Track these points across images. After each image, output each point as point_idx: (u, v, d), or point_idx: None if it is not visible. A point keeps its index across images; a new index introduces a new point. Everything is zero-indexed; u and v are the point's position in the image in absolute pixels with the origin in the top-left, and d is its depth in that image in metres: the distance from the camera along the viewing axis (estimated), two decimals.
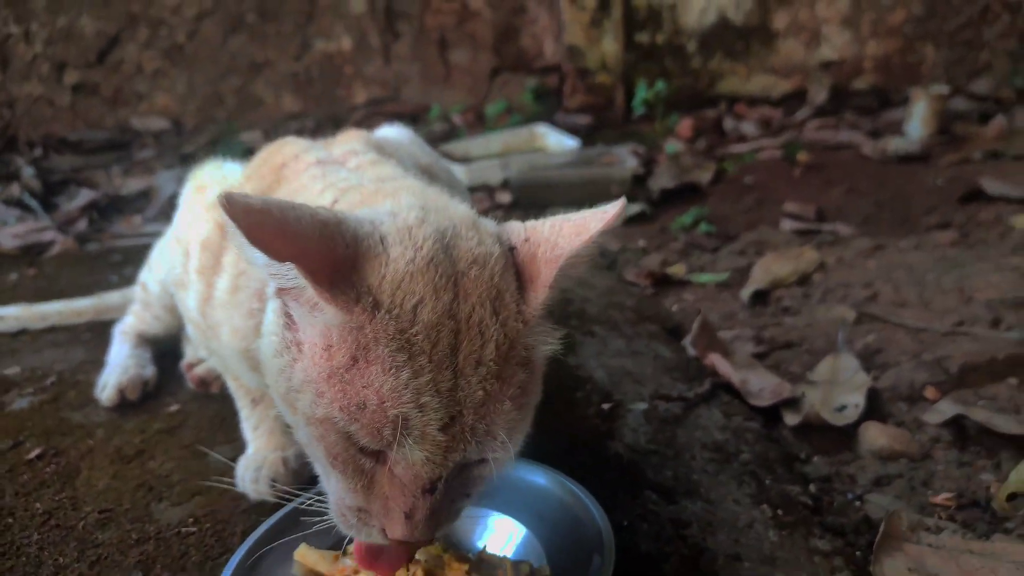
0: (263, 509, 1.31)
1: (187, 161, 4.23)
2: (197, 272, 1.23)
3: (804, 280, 2.47)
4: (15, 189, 3.80)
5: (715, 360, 1.81)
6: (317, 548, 1.11)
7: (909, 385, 1.74)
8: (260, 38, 4.89)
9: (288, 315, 0.89)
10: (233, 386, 1.46)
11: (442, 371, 0.82)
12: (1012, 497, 1.27)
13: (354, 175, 1.14)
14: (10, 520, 1.34)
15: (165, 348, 1.90)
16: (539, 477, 1.17)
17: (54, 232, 3.30)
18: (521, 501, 1.13)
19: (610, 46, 4.61)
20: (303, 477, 1.33)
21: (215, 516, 1.32)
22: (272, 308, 0.93)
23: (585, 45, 4.63)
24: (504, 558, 1.05)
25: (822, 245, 2.72)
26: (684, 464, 1.38)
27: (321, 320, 0.84)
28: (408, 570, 0.99)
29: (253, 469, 1.35)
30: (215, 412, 1.68)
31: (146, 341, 1.90)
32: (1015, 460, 1.44)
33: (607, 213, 0.88)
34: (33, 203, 3.64)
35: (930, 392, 1.70)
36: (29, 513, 1.36)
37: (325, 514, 0.96)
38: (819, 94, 4.59)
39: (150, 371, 1.81)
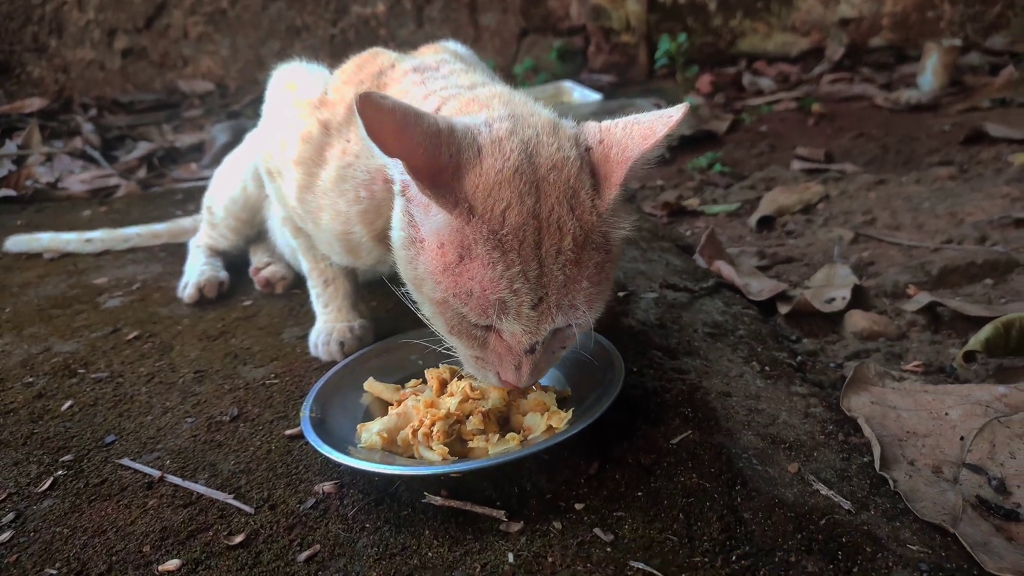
0: (332, 367, 1.57)
1: (235, 117, 4.52)
2: (295, 162, 1.40)
3: (808, 209, 2.68)
4: (78, 143, 4.09)
5: (720, 266, 2.03)
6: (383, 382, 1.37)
7: (893, 284, 1.95)
8: (299, 3, 5.13)
9: (410, 214, 1.09)
10: (310, 267, 1.69)
11: (529, 263, 1.00)
12: (969, 356, 1.49)
13: (450, 81, 1.28)
14: (120, 379, 1.62)
15: (232, 260, 2.17)
16: None
17: (118, 178, 3.59)
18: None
19: (633, 6, 4.78)
20: (367, 342, 1.59)
21: (292, 372, 1.58)
22: (399, 206, 1.12)
23: (609, 5, 4.81)
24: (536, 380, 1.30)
25: (827, 181, 2.92)
26: (687, 335, 1.61)
27: (434, 222, 1.04)
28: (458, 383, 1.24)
29: (324, 334, 1.61)
30: (283, 305, 1.94)
31: (217, 253, 2.17)
32: None
33: (672, 117, 1.01)
34: (95, 154, 3.93)
35: (912, 290, 1.91)
36: (136, 375, 1.63)
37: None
38: (837, 51, 4.74)
39: (224, 274, 2.08)
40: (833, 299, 1.85)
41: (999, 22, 4.75)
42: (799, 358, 1.62)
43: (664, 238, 2.37)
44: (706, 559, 0.96)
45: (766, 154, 3.40)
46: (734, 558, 0.96)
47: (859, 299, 1.88)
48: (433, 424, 1.19)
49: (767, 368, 1.50)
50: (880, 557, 0.97)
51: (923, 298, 1.80)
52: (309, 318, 1.80)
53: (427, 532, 1.07)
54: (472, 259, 1.01)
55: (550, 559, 0.99)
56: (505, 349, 1.09)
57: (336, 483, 1.19)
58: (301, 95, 1.44)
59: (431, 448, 1.17)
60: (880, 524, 1.04)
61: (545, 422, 1.19)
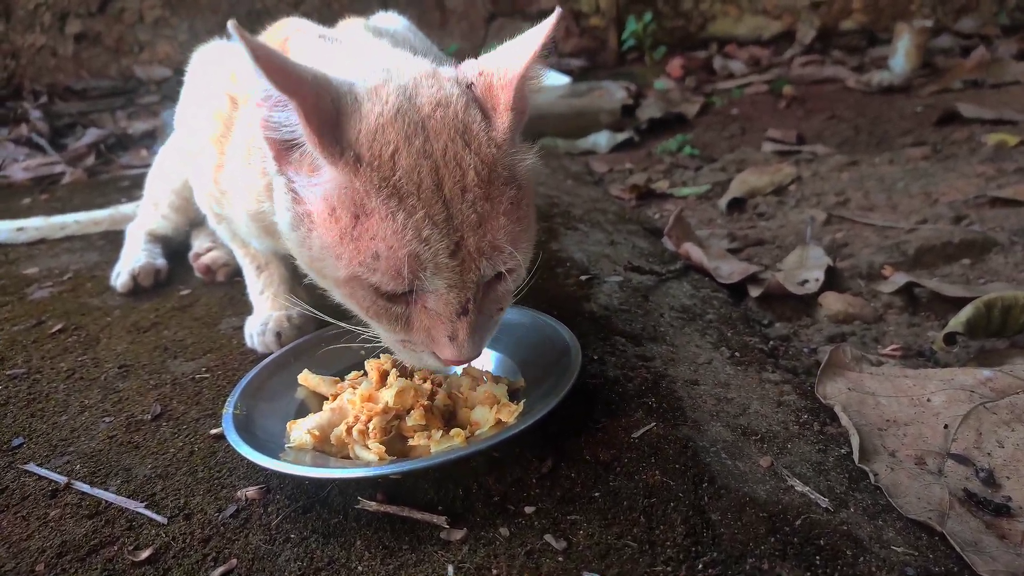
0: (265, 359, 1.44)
1: None
2: (210, 141, 1.34)
3: (780, 191, 2.59)
4: (23, 129, 3.90)
5: (689, 248, 1.93)
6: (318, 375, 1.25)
7: (868, 265, 1.86)
8: None
9: (292, 189, 0.99)
10: (240, 254, 1.58)
11: (433, 205, 0.92)
12: (950, 338, 1.40)
13: (349, 50, 1.23)
14: (38, 376, 1.48)
15: (174, 247, 2.03)
16: (514, 314, 1.29)
17: (64, 166, 3.41)
18: (499, 334, 1.25)
19: None
20: (306, 332, 1.46)
21: (226, 366, 1.45)
22: (279, 186, 1.03)
23: None
24: (486, 371, 1.19)
25: (799, 162, 2.83)
26: (652, 320, 1.50)
27: (320, 187, 0.95)
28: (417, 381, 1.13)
29: (259, 325, 1.48)
30: (223, 294, 1.81)
31: (156, 238, 2.03)
32: None
33: (546, 24, 0.97)
34: (42, 141, 3.75)
35: (887, 271, 1.82)
36: (55, 371, 1.49)
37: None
38: (808, 34, 4.66)
39: (161, 262, 1.94)
40: (806, 281, 1.76)
41: (968, 5, 4.71)
42: (771, 343, 1.53)
43: (631, 221, 2.26)
44: (668, 568, 0.85)
45: (737, 136, 3.31)
46: (700, 566, 0.85)
47: (833, 281, 1.79)
48: (370, 420, 1.08)
49: (737, 354, 1.40)
50: (862, 561, 0.87)
51: (900, 279, 1.71)
52: (249, 308, 1.67)
53: (358, 542, 0.95)
54: (369, 215, 0.92)
55: (494, 571, 0.87)
56: (434, 320, 0.98)
57: (261, 488, 1.07)
58: (215, 72, 1.34)
59: (367, 447, 1.06)
60: (861, 523, 0.94)
61: (494, 416, 1.07)
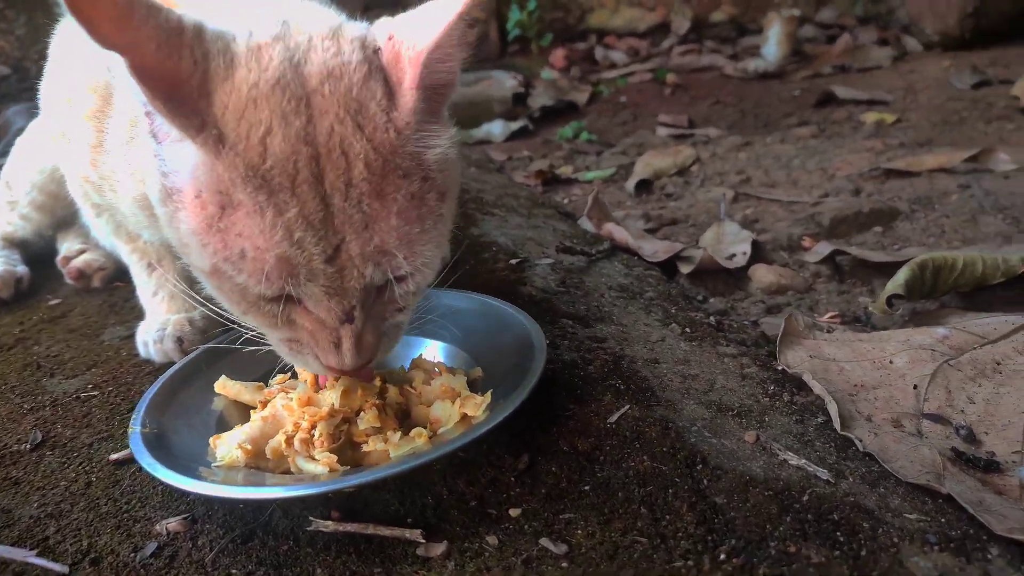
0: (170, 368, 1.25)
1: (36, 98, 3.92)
2: (85, 117, 1.12)
3: (683, 172, 2.58)
4: None
5: (611, 228, 1.87)
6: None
7: (788, 237, 1.86)
8: None
9: (162, 158, 0.83)
10: (127, 251, 1.37)
11: (308, 202, 0.76)
12: (891, 301, 1.39)
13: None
14: None
15: (34, 253, 1.77)
16: (459, 300, 1.17)
17: None
18: (444, 322, 1.13)
19: None
20: (210, 336, 1.28)
21: (117, 381, 1.25)
22: (148, 151, 0.86)
23: None
24: (438, 362, 1.06)
25: (696, 144, 2.84)
26: (595, 300, 1.42)
27: (186, 161, 0.79)
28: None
29: (155, 331, 1.28)
30: (102, 301, 1.58)
31: (14, 244, 1.77)
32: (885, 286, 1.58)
33: None
34: None
35: (807, 242, 1.82)
36: None
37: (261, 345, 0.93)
38: (682, 25, 4.76)
39: (23, 269, 1.68)
40: (734, 255, 1.73)
41: None
42: (712, 318, 1.47)
43: (545, 205, 2.18)
44: (689, 562, 0.76)
45: (629, 122, 3.31)
46: (722, 556, 0.76)
47: (757, 252, 1.77)
48: (313, 426, 0.93)
49: (688, 330, 1.33)
50: (881, 533, 0.81)
51: (824, 248, 1.72)
52: (136, 314, 1.46)
53: (318, 570, 0.80)
54: (235, 207, 0.77)
55: None
56: (316, 324, 0.84)
57: (185, 518, 0.90)
58: (87, 41, 1.13)
59: (313, 458, 0.91)
60: (865, 493, 0.88)
61: (458, 411, 0.95)
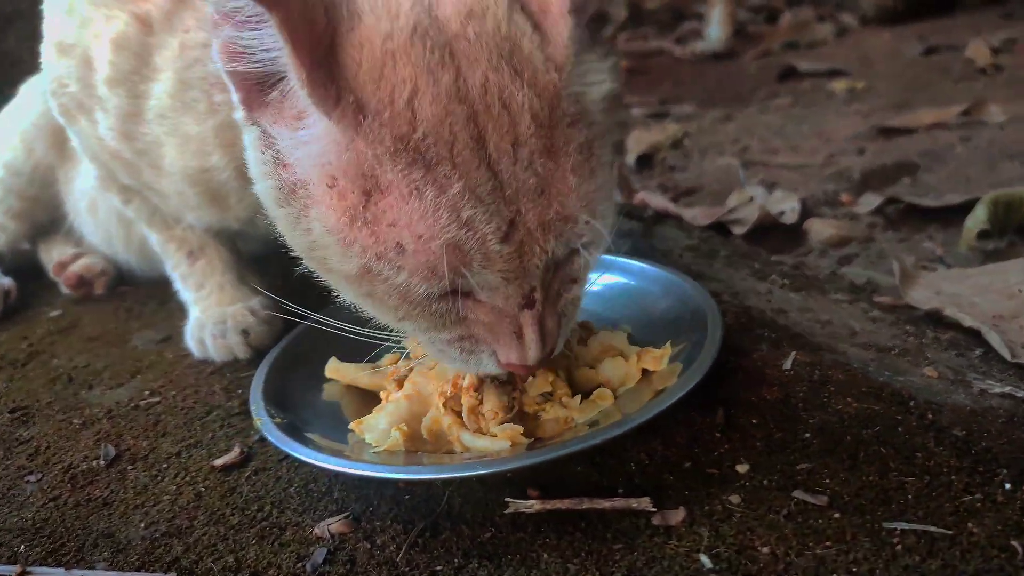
0: (237, 367, 1.10)
1: None
2: (110, 83, 0.95)
3: (677, 145, 2.53)
4: None
5: (645, 196, 1.79)
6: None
7: (824, 193, 1.83)
8: None
9: (273, 147, 0.69)
10: (162, 240, 1.20)
11: (473, 173, 0.64)
12: (983, 235, 1.36)
13: None
14: None
15: (6, 266, 1.54)
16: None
17: None
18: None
19: None
20: (277, 327, 1.13)
21: (177, 384, 1.08)
22: (252, 141, 0.72)
23: None
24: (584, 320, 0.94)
25: (679, 120, 2.81)
26: (674, 260, 1.33)
27: (312, 144, 0.66)
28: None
29: (213, 324, 1.12)
30: (113, 308, 1.40)
31: None
32: (944, 230, 1.56)
33: None
34: None
35: (845, 197, 1.79)
36: None
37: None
38: (619, 13, 4.73)
39: (7, 281, 1.47)
40: (783, 212, 1.68)
41: None
42: (799, 270, 1.41)
43: None
44: (976, 495, 0.67)
45: None
46: (1008, 486, 0.68)
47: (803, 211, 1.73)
48: (480, 398, 0.80)
49: (787, 281, 1.26)
50: None
51: (873, 199, 1.68)
52: (163, 316, 1.31)
53: (545, 556, 0.68)
54: (384, 191, 0.64)
55: (761, 546, 0.65)
56: (493, 315, 0.71)
57: (346, 517, 0.76)
58: None
59: (483, 433, 0.78)
60: None
61: (636, 368, 0.84)
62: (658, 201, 1.75)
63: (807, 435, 0.78)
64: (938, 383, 0.89)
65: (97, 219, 1.43)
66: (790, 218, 1.66)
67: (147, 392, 1.07)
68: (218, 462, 0.87)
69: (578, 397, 0.81)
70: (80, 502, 0.85)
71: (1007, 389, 0.87)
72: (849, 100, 2.77)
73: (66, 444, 0.96)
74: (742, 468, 0.75)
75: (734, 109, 2.91)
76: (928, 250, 1.51)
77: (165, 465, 0.89)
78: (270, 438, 0.78)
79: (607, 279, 1.02)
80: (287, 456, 0.85)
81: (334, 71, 0.63)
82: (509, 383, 0.82)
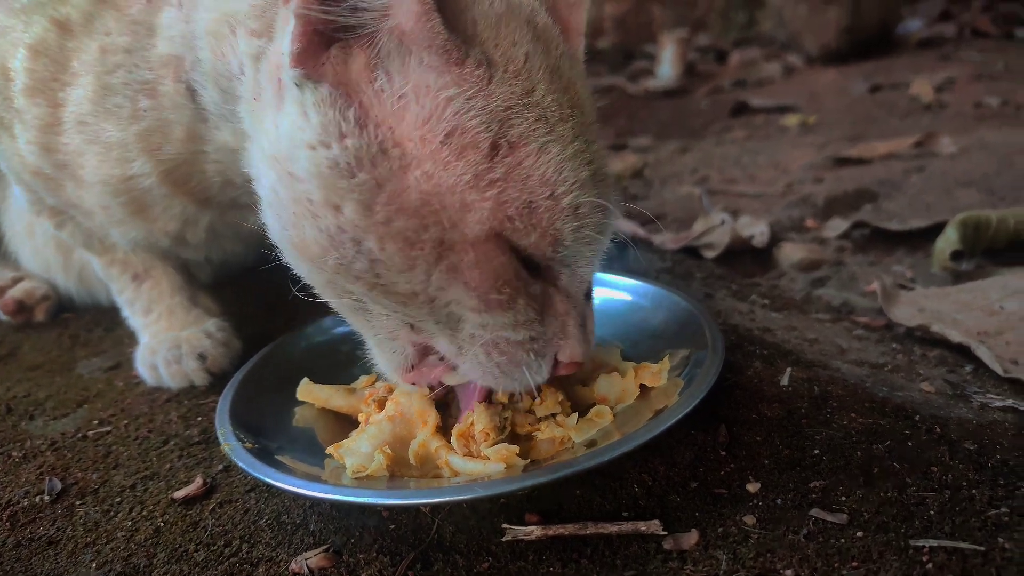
0: (195, 394, 1.02)
1: None
2: (29, 92, 0.88)
3: (638, 174, 2.53)
4: None
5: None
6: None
7: (789, 219, 1.83)
8: None
9: (351, 109, 0.64)
10: (102, 264, 1.12)
11: (579, 135, 0.67)
12: (956, 256, 1.36)
13: None
14: None
15: None
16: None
17: None
18: None
19: None
20: (236, 350, 1.06)
21: (131, 412, 0.99)
22: (293, 106, 0.65)
23: None
24: None
25: (637, 152, 2.82)
26: (659, 281, 1.30)
27: (420, 99, 0.63)
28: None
29: (166, 349, 1.04)
30: (57, 334, 1.30)
31: None
32: (911, 253, 1.57)
33: None
34: None
35: (810, 223, 1.80)
36: None
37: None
38: None
39: None
40: (753, 236, 1.67)
41: (703, 23, 5.18)
42: (778, 292, 1.39)
43: None
44: (1002, 508, 0.64)
45: None
46: None
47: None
48: (470, 419, 0.75)
49: (767, 302, 1.24)
50: None
51: (840, 223, 1.69)
52: (110, 343, 1.22)
53: None
54: (514, 145, 0.64)
55: (783, 569, 0.60)
56: (565, 305, 0.71)
57: (326, 550, 0.69)
58: None
59: (474, 455, 0.73)
60: None
61: (634, 384, 0.79)
62: (626, 226, 1.73)
63: (816, 452, 0.74)
64: (937, 398, 0.87)
65: (34, 243, 1.34)
66: (760, 241, 1.65)
67: (96, 422, 0.98)
68: (178, 494, 0.79)
69: (574, 416, 0.76)
70: (21, 542, 0.76)
71: (1008, 403, 0.85)
72: (802, 133, 2.82)
73: (4, 479, 0.87)
74: (752, 487, 0.70)
75: (690, 142, 2.93)
76: (899, 272, 1.51)
77: (119, 499, 0.81)
78: (241, 464, 0.71)
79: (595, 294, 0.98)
80: (256, 486, 0.79)
81: (452, 20, 0.63)
82: (500, 403, 0.76)
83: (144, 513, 0.78)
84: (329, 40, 0.64)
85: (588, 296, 0.74)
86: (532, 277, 0.68)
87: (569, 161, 0.65)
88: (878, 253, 1.62)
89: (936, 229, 1.51)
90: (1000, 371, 0.95)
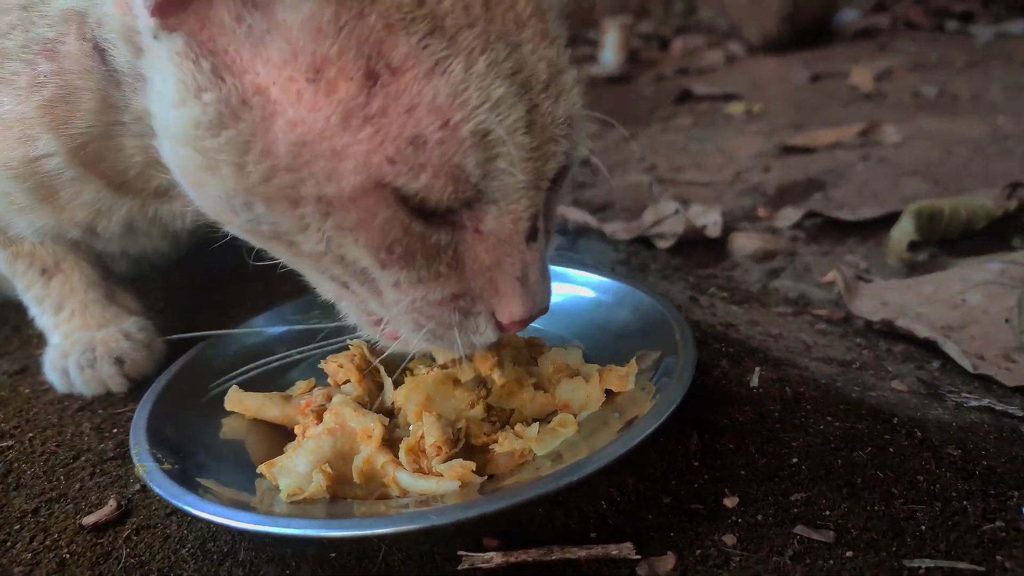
0: (111, 401, 0.92)
1: None
2: None
3: (584, 162, 2.48)
4: None
5: (563, 211, 1.70)
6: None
7: (741, 208, 1.80)
8: None
9: (209, 55, 0.56)
10: (6, 259, 1.00)
11: (494, 45, 0.56)
12: (912, 246, 1.33)
13: None
14: None
15: None
16: None
17: None
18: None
19: None
20: (159, 352, 0.96)
21: (37, 424, 0.89)
22: (167, 57, 0.58)
23: None
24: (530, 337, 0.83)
25: None
26: (614, 275, 1.24)
27: (283, 31, 0.54)
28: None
29: (79, 353, 0.93)
30: None
31: None
32: (863, 243, 1.55)
33: None
34: None
35: (762, 212, 1.77)
36: None
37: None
38: None
39: None
40: (705, 226, 1.63)
41: (643, 11, 5.16)
42: (722, 282, 1.35)
43: None
44: (997, 523, 0.60)
45: None
46: None
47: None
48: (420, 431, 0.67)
49: (726, 294, 1.19)
50: None
51: (792, 213, 1.66)
52: (16, 344, 1.11)
53: None
54: (398, 70, 0.54)
55: None
56: (496, 252, 0.61)
57: None
58: None
59: (424, 471, 0.65)
60: None
61: (598, 389, 0.73)
62: (576, 215, 1.67)
63: (794, 460, 0.69)
64: (911, 397, 0.83)
65: None
66: (714, 231, 1.61)
67: None
68: (88, 519, 0.70)
69: (535, 425, 0.69)
70: None
71: (984, 402, 0.81)
72: (747, 121, 2.80)
73: None
74: (730, 502, 0.65)
75: (635, 129, 2.89)
76: (852, 262, 1.48)
77: (18, 526, 0.71)
78: (157, 490, 0.62)
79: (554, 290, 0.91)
80: (177, 509, 0.70)
81: None
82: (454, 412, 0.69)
83: (48, 542, 0.68)
84: None
85: (532, 237, 0.62)
86: (432, 226, 0.58)
87: (476, 79, 0.54)
88: (830, 243, 1.60)
89: (888, 219, 1.50)
90: (969, 367, 0.92)
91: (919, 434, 0.72)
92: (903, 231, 1.36)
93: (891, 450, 0.70)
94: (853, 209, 1.73)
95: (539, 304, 0.63)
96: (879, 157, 2.13)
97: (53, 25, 0.72)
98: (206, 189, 0.61)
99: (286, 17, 0.54)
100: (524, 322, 0.63)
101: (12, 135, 0.78)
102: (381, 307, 0.64)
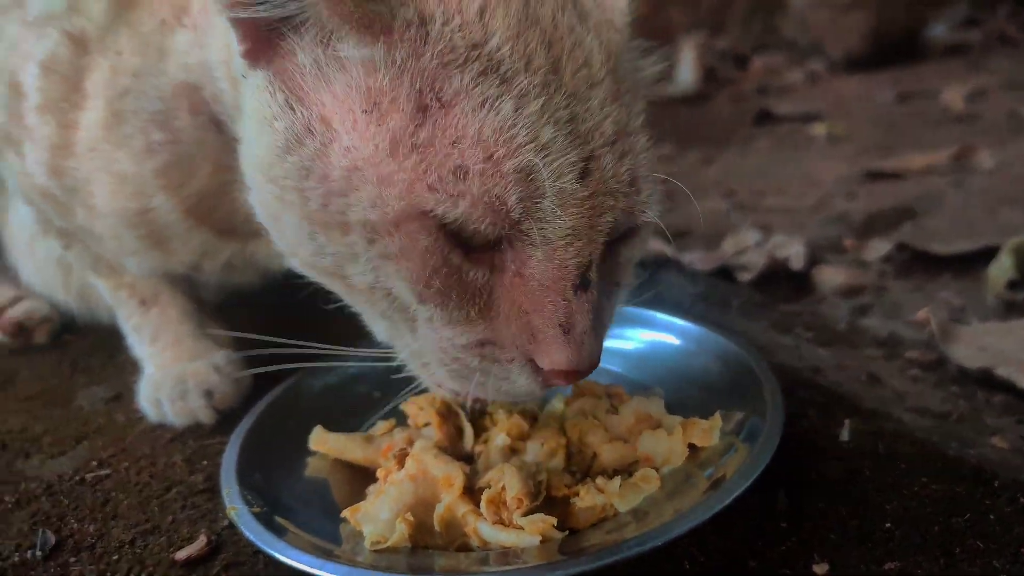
0: (200, 433, 0.95)
1: None
2: (40, 110, 0.82)
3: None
4: None
5: None
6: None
7: (826, 238, 1.75)
8: None
9: (284, 88, 0.61)
10: (108, 288, 1.06)
11: (552, 93, 0.58)
12: (1012, 285, 1.28)
13: None
14: None
15: None
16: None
17: None
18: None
19: None
20: (244, 387, 0.98)
21: (132, 453, 0.93)
22: (255, 88, 0.63)
23: None
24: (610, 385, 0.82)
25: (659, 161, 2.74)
26: (687, 312, 1.22)
27: (346, 68, 0.58)
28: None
29: (171, 384, 0.97)
30: (56, 359, 1.24)
31: None
32: (957, 279, 1.48)
33: None
34: None
35: (848, 243, 1.71)
36: None
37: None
38: None
39: None
40: (788, 257, 1.59)
41: (721, 26, 5.09)
42: (807, 321, 1.31)
43: None
44: None
45: None
46: None
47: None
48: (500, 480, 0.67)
49: (811, 335, 1.16)
50: None
51: (882, 244, 1.61)
52: (112, 370, 1.16)
53: None
54: (448, 104, 0.56)
55: None
56: (536, 297, 0.60)
57: None
58: (33, 7, 0.84)
59: (509, 522, 0.65)
60: None
61: (681, 444, 0.72)
62: (652, 243, 1.65)
63: (888, 524, 0.67)
64: (1013, 456, 0.79)
65: (36, 259, 1.27)
66: (797, 264, 1.57)
67: (95, 463, 0.91)
68: (181, 554, 0.72)
69: (616, 480, 0.69)
70: None
71: None
72: (830, 144, 2.73)
73: None
74: (819, 568, 0.63)
75: (713, 151, 2.85)
76: (945, 300, 1.42)
77: (116, 556, 0.74)
78: (248, 534, 0.64)
79: (629, 334, 0.91)
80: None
81: None
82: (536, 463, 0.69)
83: (143, 575, 0.71)
84: (269, 34, 0.60)
85: (582, 288, 0.60)
86: (471, 261, 0.59)
87: (526, 119, 0.56)
88: (922, 278, 1.53)
89: (985, 252, 1.44)
90: None
91: (1022, 500, 0.69)
92: (1002, 268, 1.30)
93: (992, 516, 0.67)
94: (946, 242, 1.66)
95: (587, 358, 0.61)
96: (974, 185, 2.05)
97: (164, 99, 0.76)
98: (280, 221, 0.64)
99: (349, 55, 0.57)
100: (569, 374, 0.62)
101: (128, 190, 0.82)
102: (415, 341, 0.65)
